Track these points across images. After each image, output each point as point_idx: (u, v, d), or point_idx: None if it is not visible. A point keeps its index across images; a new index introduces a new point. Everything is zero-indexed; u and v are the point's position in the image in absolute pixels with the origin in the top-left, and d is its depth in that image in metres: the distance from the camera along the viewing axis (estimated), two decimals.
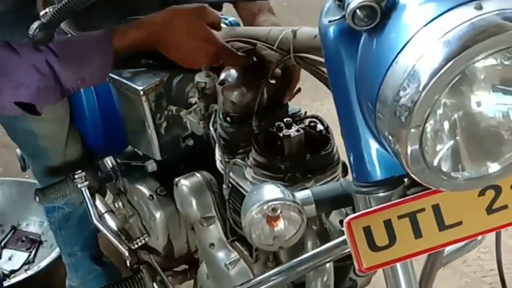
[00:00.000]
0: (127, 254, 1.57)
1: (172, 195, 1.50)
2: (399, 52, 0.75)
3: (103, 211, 1.77)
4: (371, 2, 0.79)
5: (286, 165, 1.17)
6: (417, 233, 0.86)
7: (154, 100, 1.47)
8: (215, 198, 1.40)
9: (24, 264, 2.24)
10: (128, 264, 1.60)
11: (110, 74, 1.52)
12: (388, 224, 0.85)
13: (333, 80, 0.88)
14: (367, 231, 0.85)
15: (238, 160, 1.22)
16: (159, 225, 1.51)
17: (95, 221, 1.58)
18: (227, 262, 1.37)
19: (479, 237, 1.39)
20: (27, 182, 2.33)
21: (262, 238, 0.95)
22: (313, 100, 2.77)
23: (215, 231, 1.41)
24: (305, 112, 1.32)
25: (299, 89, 1.40)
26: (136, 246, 1.54)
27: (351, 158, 0.89)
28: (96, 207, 1.73)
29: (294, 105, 1.36)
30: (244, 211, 0.94)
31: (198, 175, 1.43)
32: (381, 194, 0.87)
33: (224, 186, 1.28)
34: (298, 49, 1.12)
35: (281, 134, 1.17)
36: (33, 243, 2.30)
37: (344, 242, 1.02)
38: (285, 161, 1.17)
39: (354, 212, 0.93)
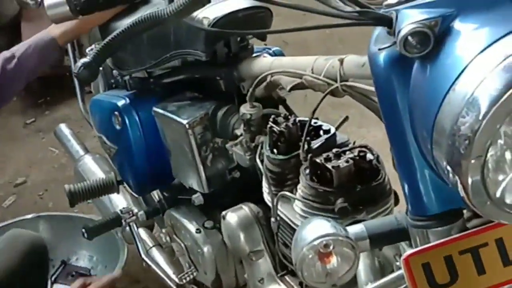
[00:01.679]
0: None
1: (219, 228, 1.48)
2: (456, 79, 0.72)
3: (151, 245, 1.75)
4: (423, 28, 0.76)
5: (336, 197, 1.13)
6: (480, 269, 0.81)
7: (199, 133, 1.46)
8: (263, 231, 1.37)
9: None
10: None
11: (155, 109, 1.52)
12: (449, 260, 0.81)
13: (384, 109, 0.84)
14: (427, 268, 0.81)
15: (286, 193, 1.19)
16: (207, 259, 1.48)
17: (143, 256, 1.56)
18: None
19: None
20: (76, 216, 2.34)
21: (314, 275, 0.91)
22: (359, 127, 2.72)
23: (264, 265, 1.38)
24: (354, 142, 1.28)
25: (347, 117, 1.37)
26: (184, 281, 1.51)
27: (406, 190, 0.85)
28: (143, 241, 1.72)
29: (341, 133, 1.32)
30: (295, 247, 0.91)
31: (245, 208, 1.40)
32: (440, 228, 0.83)
33: (272, 219, 1.25)
34: (345, 78, 1.09)
35: (330, 166, 1.14)
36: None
37: (399, 277, 0.98)
38: (334, 193, 1.13)
39: (410, 246, 0.89)
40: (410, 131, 0.81)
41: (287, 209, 1.22)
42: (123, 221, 1.57)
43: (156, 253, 1.72)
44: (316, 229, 0.90)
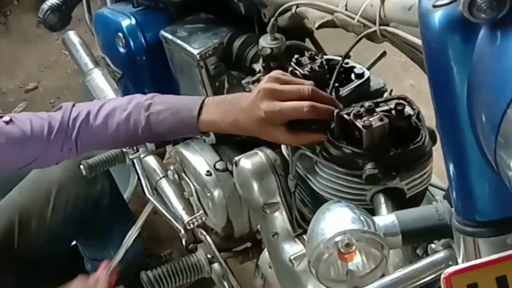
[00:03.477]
0: (183, 232, 1.42)
1: (232, 170, 1.32)
2: None
3: (160, 175, 1.61)
4: None
5: (365, 161, 0.95)
6: None
7: (213, 64, 1.27)
8: (280, 182, 1.21)
9: None
10: (183, 243, 1.45)
11: (163, 33, 1.33)
12: (502, 282, 0.64)
13: (435, 85, 0.65)
14: None
15: (307, 151, 1.01)
16: (218, 205, 1.33)
17: (148, 195, 1.43)
18: (292, 257, 1.19)
19: None
20: None
21: (332, 274, 0.76)
22: None
23: (279, 219, 1.23)
24: (391, 90, 1.09)
25: (384, 53, 1.17)
26: (191, 226, 1.38)
27: (454, 187, 0.68)
28: (152, 172, 1.58)
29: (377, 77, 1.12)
30: (310, 240, 0.75)
31: (260, 154, 1.23)
32: (494, 238, 0.66)
33: (290, 176, 1.09)
34: (386, 21, 0.88)
35: (360, 124, 0.95)
36: None
37: (433, 264, 0.83)
38: (363, 156, 0.95)
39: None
40: (466, 117, 0.62)
41: (307, 167, 1.05)
42: (126, 157, 1.42)
43: (165, 185, 1.58)
44: (338, 221, 0.73)
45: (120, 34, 1.39)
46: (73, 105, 1.17)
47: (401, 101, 1.01)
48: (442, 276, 0.64)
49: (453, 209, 0.70)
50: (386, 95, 1.09)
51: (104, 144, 1.20)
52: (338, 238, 0.71)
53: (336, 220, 0.73)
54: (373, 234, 0.72)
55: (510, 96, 0.54)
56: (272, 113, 0.99)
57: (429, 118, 1.00)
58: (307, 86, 1.00)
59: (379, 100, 1.02)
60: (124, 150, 1.43)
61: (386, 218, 0.76)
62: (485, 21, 0.57)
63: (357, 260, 0.75)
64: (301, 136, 1.02)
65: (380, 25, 0.89)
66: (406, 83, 2.50)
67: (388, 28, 0.87)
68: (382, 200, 0.95)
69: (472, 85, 0.60)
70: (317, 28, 1.02)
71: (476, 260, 0.65)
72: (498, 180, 0.62)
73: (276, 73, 1.05)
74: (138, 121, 1.11)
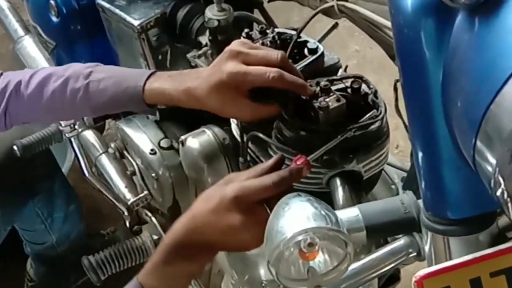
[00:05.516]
0: (126, 213, 1.34)
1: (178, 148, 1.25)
2: None
3: (100, 151, 1.51)
4: None
5: (321, 144, 0.90)
6: None
7: (155, 35, 1.19)
8: (229, 162, 1.15)
9: None
10: (127, 224, 1.37)
11: (100, 1, 1.23)
12: (476, 284, 0.60)
13: (406, 73, 0.60)
14: None
15: (259, 134, 0.95)
16: (163, 185, 1.26)
17: (87, 175, 1.34)
18: None
19: None
20: None
21: (293, 272, 0.71)
22: None
23: None
24: (346, 67, 1.03)
25: (336, 24, 1.10)
26: (135, 207, 1.30)
27: (423, 182, 0.63)
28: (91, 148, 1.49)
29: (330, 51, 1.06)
30: (269, 239, 0.69)
31: (208, 132, 1.16)
32: (466, 237, 0.62)
33: (241, 159, 1.02)
34: None
35: (316, 105, 0.89)
36: None
37: (393, 252, 0.80)
38: (320, 139, 0.90)
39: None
40: (440, 110, 0.57)
41: (259, 149, 0.99)
42: (63, 135, 1.33)
43: (106, 161, 1.49)
44: (299, 218, 0.67)
45: (52, 2, 1.28)
46: (1, 74, 1.06)
47: (357, 79, 0.96)
48: (413, 279, 0.60)
49: (421, 204, 0.66)
50: (341, 71, 1.04)
51: (37, 115, 1.09)
52: (300, 237, 0.66)
53: (296, 216, 0.68)
54: (337, 231, 0.66)
55: (495, 91, 0.49)
56: (235, 76, 0.90)
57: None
58: (276, 51, 0.93)
59: (334, 77, 0.97)
60: (61, 128, 1.33)
61: (348, 211, 0.71)
62: (464, 6, 0.51)
63: (319, 259, 0.70)
64: (265, 107, 0.93)
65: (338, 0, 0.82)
66: (351, 49, 2.46)
67: (347, 4, 0.81)
68: (339, 183, 0.91)
69: (449, 75, 0.55)
70: (269, 1, 0.94)
71: (448, 262, 0.61)
72: (472, 176, 0.57)
73: (244, 39, 0.97)
74: (76, 90, 1.01)
